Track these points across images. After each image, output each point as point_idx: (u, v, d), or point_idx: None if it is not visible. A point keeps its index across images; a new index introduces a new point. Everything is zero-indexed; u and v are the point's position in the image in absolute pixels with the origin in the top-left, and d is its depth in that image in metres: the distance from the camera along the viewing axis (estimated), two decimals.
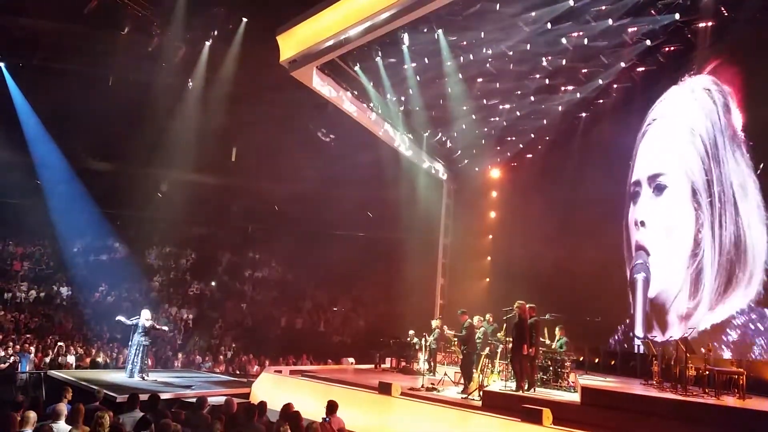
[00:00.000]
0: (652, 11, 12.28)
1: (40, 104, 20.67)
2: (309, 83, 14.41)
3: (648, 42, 13.11)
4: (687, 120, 13.95)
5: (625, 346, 14.76)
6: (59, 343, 17.16)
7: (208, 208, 24.52)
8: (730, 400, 9.22)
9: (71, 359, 16.51)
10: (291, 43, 13.36)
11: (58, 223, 22.87)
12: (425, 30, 13.61)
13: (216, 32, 17.19)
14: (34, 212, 21.84)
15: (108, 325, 19.64)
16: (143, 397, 8.23)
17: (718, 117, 13.29)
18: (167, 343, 19.68)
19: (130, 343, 13.36)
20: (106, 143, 21.36)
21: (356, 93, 15.96)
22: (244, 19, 16.26)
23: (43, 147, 21.31)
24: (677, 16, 12.25)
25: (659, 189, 14.36)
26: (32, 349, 16.37)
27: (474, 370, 10.93)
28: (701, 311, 13.08)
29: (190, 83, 18.84)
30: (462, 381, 11.27)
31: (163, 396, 10.07)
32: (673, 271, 13.78)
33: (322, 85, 14.77)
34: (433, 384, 11.39)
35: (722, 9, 12.21)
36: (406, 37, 13.72)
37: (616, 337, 15.02)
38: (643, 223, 14.58)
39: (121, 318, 13.49)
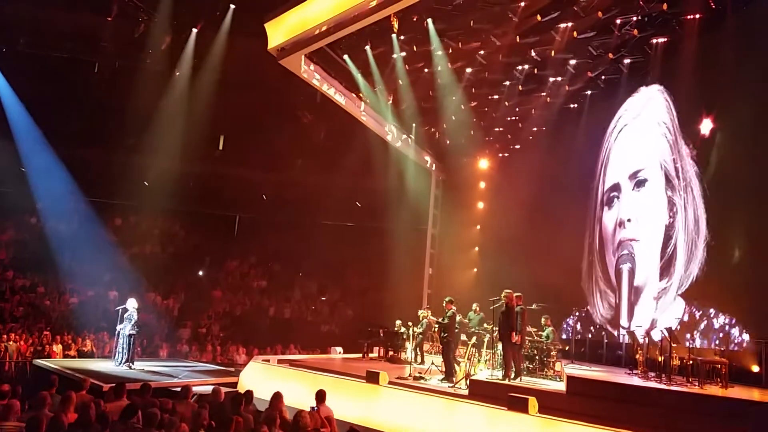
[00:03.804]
0: (641, 2, 12.26)
1: (24, 90, 20.37)
2: (297, 71, 14.30)
3: (635, 32, 13.11)
4: (654, 113, 14.28)
5: (604, 335, 15.01)
6: (45, 332, 17.04)
7: (195, 197, 24.33)
8: (712, 389, 9.35)
9: (58, 348, 16.42)
10: (279, 30, 13.22)
11: (43, 210, 22.63)
12: (415, 19, 13.54)
13: (203, 19, 16.98)
14: (19, 199, 21.58)
15: (94, 314, 19.53)
16: (133, 386, 8.21)
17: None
18: (154, 332, 19.59)
19: (117, 332, 13.31)
20: (91, 130, 21.10)
21: (345, 82, 15.87)
22: (232, 6, 16.06)
23: (28, 134, 21.03)
24: (664, 6, 12.25)
25: (640, 184, 14.56)
26: (18, 338, 16.25)
27: (460, 359, 10.99)
28: (671, 293, 13.37)
29: (177, 72, 18.64)
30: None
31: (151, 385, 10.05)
32: (653, 257, 14.02)
33: (310, 74, 14.67)
34: (420, 373, 11.45)
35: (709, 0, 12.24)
36: (396, 24, 13.63)
37: (602, 327, 15.18)
38: (629, 221, 14.71)
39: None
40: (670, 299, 13.34)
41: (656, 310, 13.62)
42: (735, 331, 12.04)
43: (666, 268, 13.58)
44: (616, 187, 15.23)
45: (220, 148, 23.71)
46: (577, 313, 15.24)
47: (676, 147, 13.69)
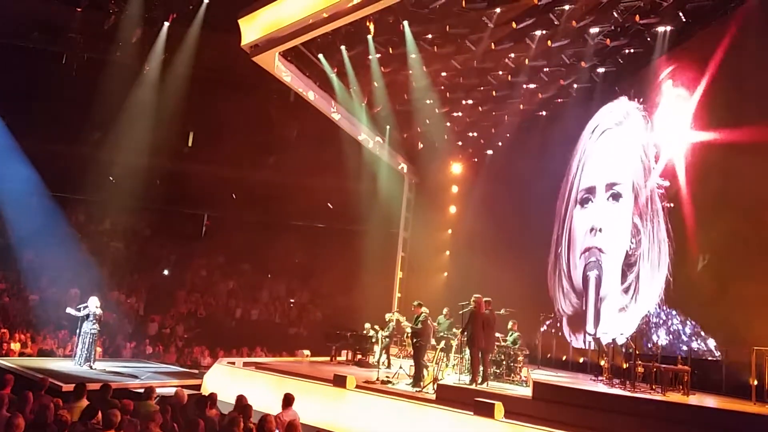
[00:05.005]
0: (615, 13, 12.42)
1: None
2: (271, 69, 14.11)
3: (608, 41, 13.28)
4: (634, 130, 14.27)
5: (570, 340, 15.14)
6: (3, 330, 16.53)
7: (163, 194, 23.90)
8: (675, 396, 9.50)
9: (15, 346, 15.93)
10: (253, 26, 13.04)
11: (5, 205, 21.99)
12: (391, 21, 13.50)
13: (175, 12, 16.69)
14: None
15: (55, 313, 19.02)
16: (93, 386, 7.98)
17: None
18: (117, 332, 19.15)
19: (78, 330, 12.97)
20: (57, 124, 20.59)
21: (319, 82, 15.74)
22: (205, 0, 15.81)
23: None
24: (637, 18, 12.44)
25: (615, 197, 14.57)
26: None
27: (429, 363, 10.97)
28: (629, 316, 13.55)
29: (147, 66, 18.30)
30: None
31: (112, 386, 9.80)
32: (615, 276, 14.14)
33: (284, 72, 14.51)
34: (388, 377, 11.39)
35: (681, 14, 12.46)
36: (371, 26, 13.58)
37: (569, 332, 15.32)
38: (600, 230, 14.82)
39: (70, 310, 13.06)
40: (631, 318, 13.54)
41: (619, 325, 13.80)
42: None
43: (626, 291, 13.73)
44: (591, 190, 15.21)
45: (189, 145, 23.33)
46: (544, 319, 15.29)
47: (649, 175, 13.68)
